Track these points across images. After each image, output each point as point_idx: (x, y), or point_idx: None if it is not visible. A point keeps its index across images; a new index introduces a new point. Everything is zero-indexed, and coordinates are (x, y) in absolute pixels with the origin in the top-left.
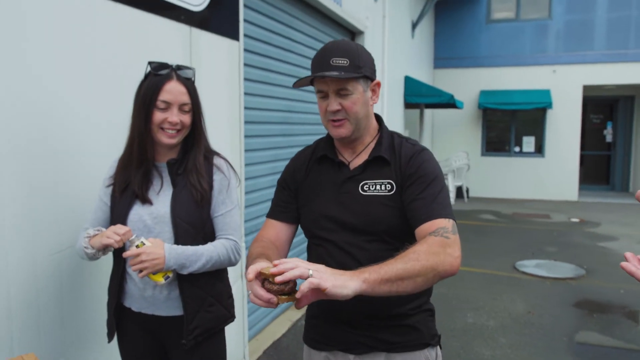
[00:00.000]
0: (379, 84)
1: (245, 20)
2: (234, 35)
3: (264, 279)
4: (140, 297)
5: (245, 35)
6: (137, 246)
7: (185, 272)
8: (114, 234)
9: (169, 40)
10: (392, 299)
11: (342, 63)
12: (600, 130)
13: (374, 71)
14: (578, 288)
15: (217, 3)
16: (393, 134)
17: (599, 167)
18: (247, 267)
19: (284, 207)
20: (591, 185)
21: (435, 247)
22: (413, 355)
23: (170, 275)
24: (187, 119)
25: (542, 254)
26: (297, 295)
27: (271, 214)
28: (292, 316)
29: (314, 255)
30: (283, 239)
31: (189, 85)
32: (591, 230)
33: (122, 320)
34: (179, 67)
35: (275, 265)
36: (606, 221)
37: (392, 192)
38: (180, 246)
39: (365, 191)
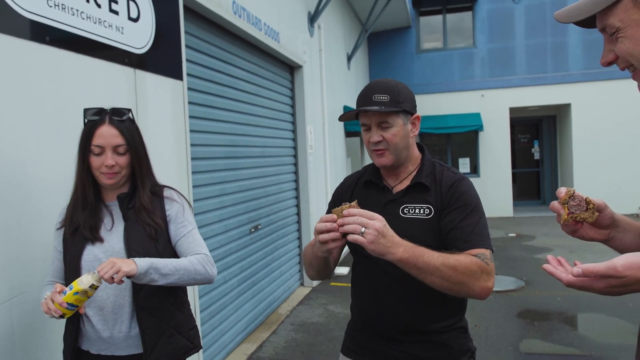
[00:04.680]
0: (418, 118)
1: (187, 60)
2: (178, 75)
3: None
4: (98, 338)
5: (189, 75)
6: (92, 286)
7: (156, 275)
8: (49, 303)
9: (114, 83)
10: (427, 316)
11: (383, 99)
12: (528, 149)
13: (414, 106)
14: (519, 299)
15: (159, 45)
16: (435, 163)
17: (530, 183)
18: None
19: None
20: (524, 201)
21: (475, 266)
22: None
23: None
24: (123, 160)
25: None
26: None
27: None
28: (247, 350)
29: (356, 271)
30: (334, 254)
31: (122, 127)
32: (527, 244)
33: None
34: (114, 110)
35: (350, 207)
36: (540, 234)
37: (430, 216)
38: None
39: (405, 214)
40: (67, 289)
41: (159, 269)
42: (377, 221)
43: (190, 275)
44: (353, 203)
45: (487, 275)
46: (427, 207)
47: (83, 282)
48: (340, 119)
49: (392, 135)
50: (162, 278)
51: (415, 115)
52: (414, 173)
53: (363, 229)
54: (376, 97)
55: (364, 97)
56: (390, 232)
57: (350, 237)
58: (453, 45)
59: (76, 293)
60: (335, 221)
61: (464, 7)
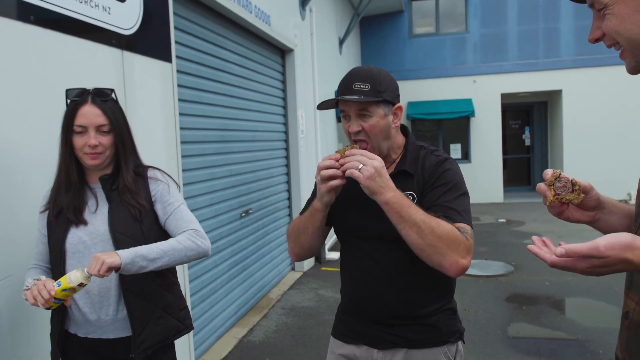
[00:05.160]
0: (400, 108)
1: (176, 42)
2: (167, 58)
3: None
4: (85, 322)
5: (178, 57)
6: (80, 284)
7: (144, 262)
8: (38, 297)
9: (101, 65)
10: (417, 302)
11: (363, 87)
12: (519, 135)
13: (397, 95)
14: (508, 284)
15: (148, 26)
16: (421, 147)
17: (520, 169)
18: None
19: None
20: (514, 187)
21: (453, 237)
22: (431, 351)
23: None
24: (106, 140)
25: (474, 254)
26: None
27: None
28: (237, 334)
29: (344, 258)
30: (324, 229)
31: (105, 106)
32: (517, 229)
33: (68, 348)
34: (97, 91)
35: (352, 148)
36: (530, 220)
37: (414, 203)
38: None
39: None
40: (55, 284)
41: (145, 255)
42: (376, 161)
43: (182, 253)
44: (355, 145)
45: (465, 250)
46: (410, 195)
47: (72, 280)
48: (319, 107)
49: (371, 126)
50: (151, 263)
51: (397, 105)
52: (398, 161)
53: (361, 166)
54: (356, 86)
55: (344, 85)
56: (387, 175)
57: (348, 172)
58: (445, 30)
59: (64, 290)
60: (337, 160)
61: None
